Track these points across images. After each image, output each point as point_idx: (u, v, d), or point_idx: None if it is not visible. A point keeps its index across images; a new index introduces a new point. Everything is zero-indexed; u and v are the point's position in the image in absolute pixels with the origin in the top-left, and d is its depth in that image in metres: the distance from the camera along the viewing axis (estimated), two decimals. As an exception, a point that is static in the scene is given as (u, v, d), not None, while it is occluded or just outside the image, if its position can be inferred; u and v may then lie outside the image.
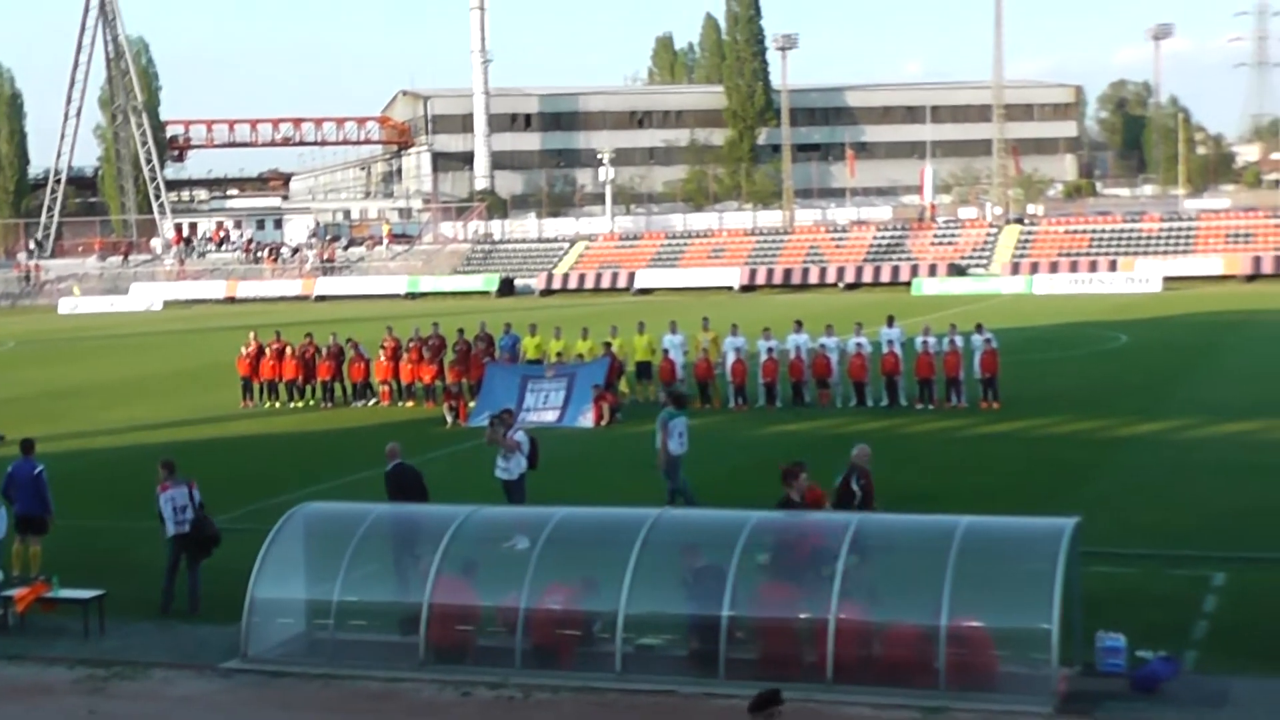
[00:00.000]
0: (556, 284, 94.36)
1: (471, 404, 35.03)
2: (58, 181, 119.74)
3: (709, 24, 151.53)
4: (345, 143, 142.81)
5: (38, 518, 19.95)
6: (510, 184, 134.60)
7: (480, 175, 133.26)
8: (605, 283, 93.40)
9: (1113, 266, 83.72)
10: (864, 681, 14.28)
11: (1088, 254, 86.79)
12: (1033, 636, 13.89)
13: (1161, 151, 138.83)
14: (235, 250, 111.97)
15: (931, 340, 34.71)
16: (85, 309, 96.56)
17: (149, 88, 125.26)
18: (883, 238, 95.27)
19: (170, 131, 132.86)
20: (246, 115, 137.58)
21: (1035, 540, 14.89)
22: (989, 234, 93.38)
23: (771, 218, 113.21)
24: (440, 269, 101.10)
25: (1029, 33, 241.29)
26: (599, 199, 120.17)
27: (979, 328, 35.43)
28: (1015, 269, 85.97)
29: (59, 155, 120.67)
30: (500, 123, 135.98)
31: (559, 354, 37.79)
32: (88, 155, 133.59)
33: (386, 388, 38.25)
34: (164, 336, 69.17)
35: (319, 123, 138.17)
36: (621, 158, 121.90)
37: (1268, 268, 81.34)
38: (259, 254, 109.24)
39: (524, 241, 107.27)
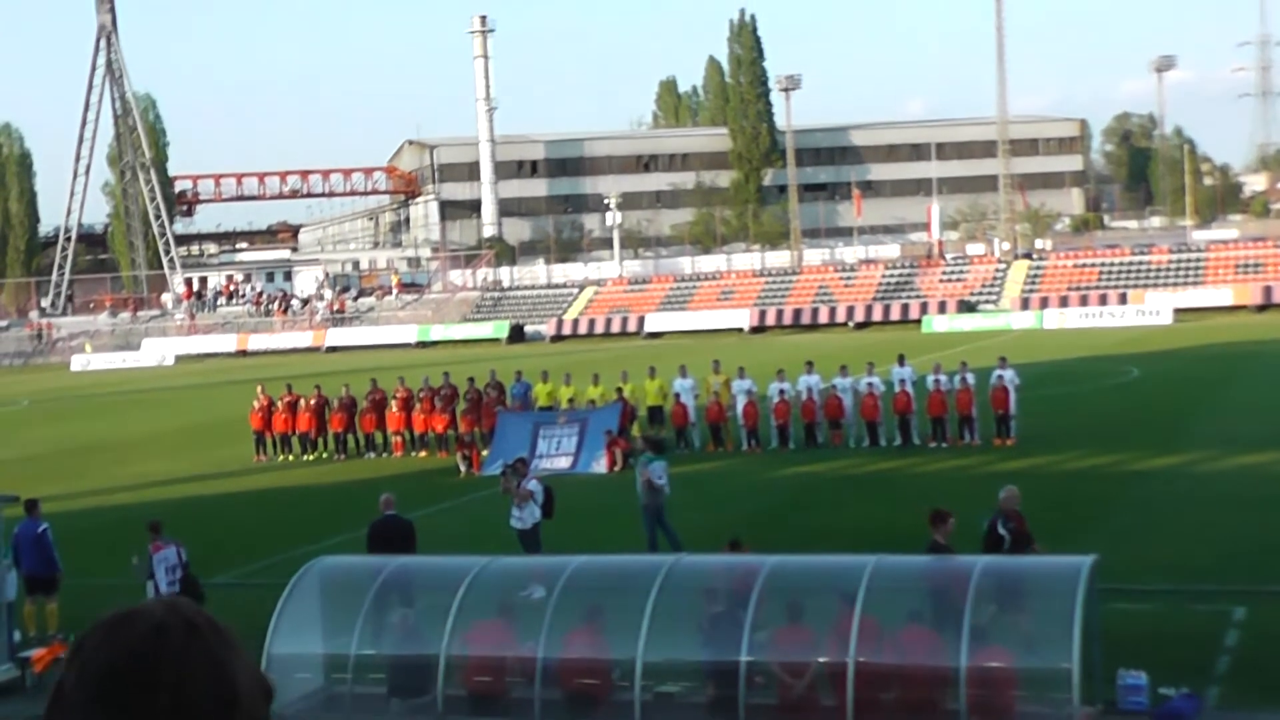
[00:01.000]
0: (566, 329, 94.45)
1: (485, 453, 35.03)
2: (68, 239, 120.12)
3: (712, 67, 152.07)
4: (353, 193, 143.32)
5: (46, 577, 19.88)
6: (518, 231, 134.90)
7: (488, 223, 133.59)
8: (615, 327, 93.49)
9: (1123, 299, 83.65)
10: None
11: (1097, 287, 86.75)
12: (1054, 676, 13.83)
13: (1168, 183, 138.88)
14: (245, 303, 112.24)
15: (943, 378, 34.67)
16: (97, 365, 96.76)
17: (157, 144, 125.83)
18: (891, 276, 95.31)
19: (178, 186, 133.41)
20: (254, 168, 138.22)
21: (1053, 579, 14.85)
22: (998, 270, 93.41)
23: (780, 258, 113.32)
24: (450, 317, 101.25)
25: (1032, 68, 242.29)
26: (607, 244, 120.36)
27: (1002, 361, 35.42)
28: (1025, 304, 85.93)
29: (69, 213, 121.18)
30: (507, 170, 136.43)
31: (570, 400, 37.80)
32: (97, 212, 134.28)
33: (400, 438, 38.24)
34: (176, 391, 69.28)
35: (326, 174, 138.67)
36: (628, 202, 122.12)
37: (1279, 297, 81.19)
38: (269, 306, 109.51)
39: (533, 288, 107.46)
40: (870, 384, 35.10)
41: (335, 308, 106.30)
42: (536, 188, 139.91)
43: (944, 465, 31.71)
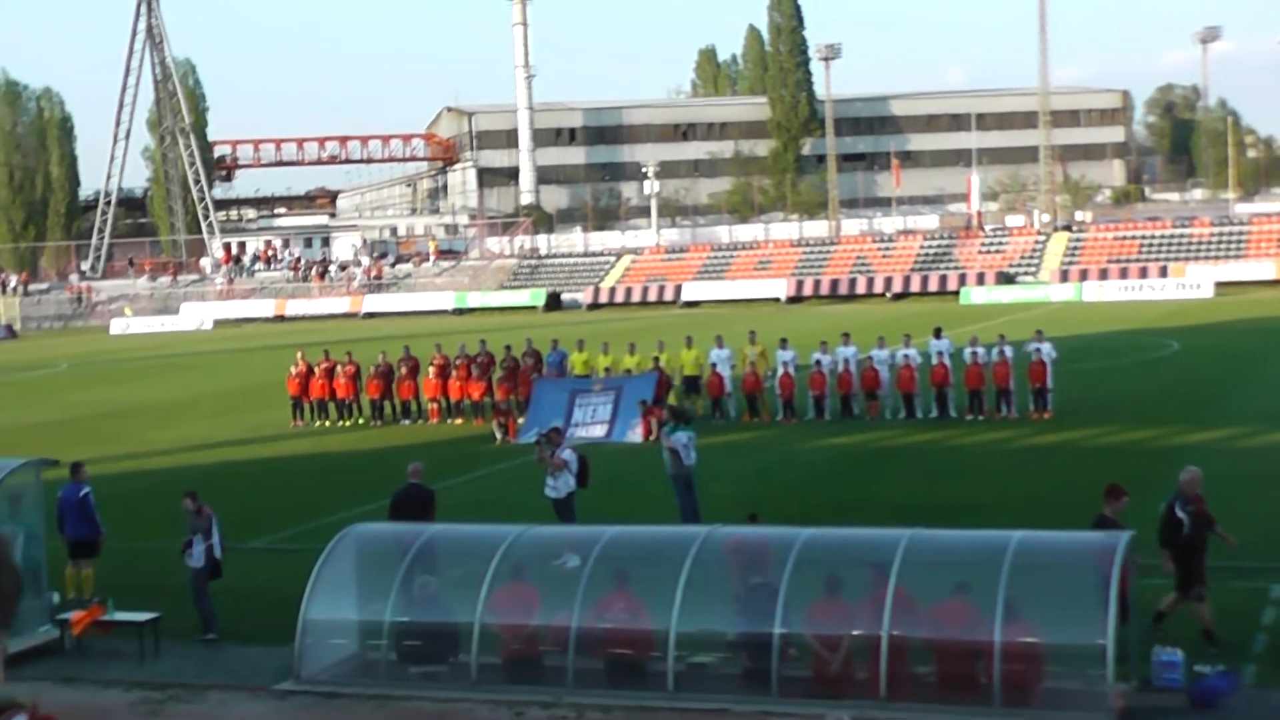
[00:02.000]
0: (603, 298, 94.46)
1: (520, 420, 35.10)
2: (108, 203, 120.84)
3: (752, 35, 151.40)
4: (391, 160, 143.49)
5: (88, 541, 20.03)
6: (556, 198, 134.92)
7: (526, 190, 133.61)
8: (652, 296, 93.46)
9: (1163, 272, 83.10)
10: (917, 699, 14.21)
11: (1137, 260, 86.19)
12: (1088, 652, 13.77)
13: (1211, 155, 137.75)
14: (283, 269, 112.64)
15: (980, 350, 34.52)
16: (136, 329, 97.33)
17: (196, 109, 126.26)
18: (930, 247, 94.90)
19: (218, 152, 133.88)
20: (293, 134, 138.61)
21: (1089, 555, 14.77)
22: (1037, 241, 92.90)
23: (817, 228, 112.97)
24: (487, 284, 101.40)
25: (1074, 38, 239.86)
26: (644, 212, 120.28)
27: (1039, 334, 35.23)
28: (1064, 276, 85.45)
29: (109, 177, 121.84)
30: (545, 137, 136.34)
31: (607, 369, 37.81)
32: (137, 177, 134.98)
33: (435, 405, 38.33)
34: (214, 356, 69.66)
35: (365, 140, 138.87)
36: (666, 170, 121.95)
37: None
38: (307, 272, 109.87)
39: (570, 256, 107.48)
40: (907, 356, 34.99)
41: (373, 274, 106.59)
42: (574, 155, 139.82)
43: (980, 438, 31.60)
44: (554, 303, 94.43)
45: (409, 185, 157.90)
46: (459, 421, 37.67)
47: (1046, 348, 34.42)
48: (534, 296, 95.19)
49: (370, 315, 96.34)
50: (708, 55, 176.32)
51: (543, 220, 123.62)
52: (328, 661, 16.39)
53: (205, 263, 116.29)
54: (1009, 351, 34.34)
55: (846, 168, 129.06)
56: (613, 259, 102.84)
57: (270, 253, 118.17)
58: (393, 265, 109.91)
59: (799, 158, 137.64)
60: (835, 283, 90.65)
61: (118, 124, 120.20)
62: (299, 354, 40.66)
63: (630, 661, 15.51)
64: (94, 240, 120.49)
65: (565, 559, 16.91)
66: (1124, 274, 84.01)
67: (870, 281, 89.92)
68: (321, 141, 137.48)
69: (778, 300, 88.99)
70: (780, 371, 35.89)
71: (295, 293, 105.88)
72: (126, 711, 15.57)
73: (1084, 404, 35.28)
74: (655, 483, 24.97)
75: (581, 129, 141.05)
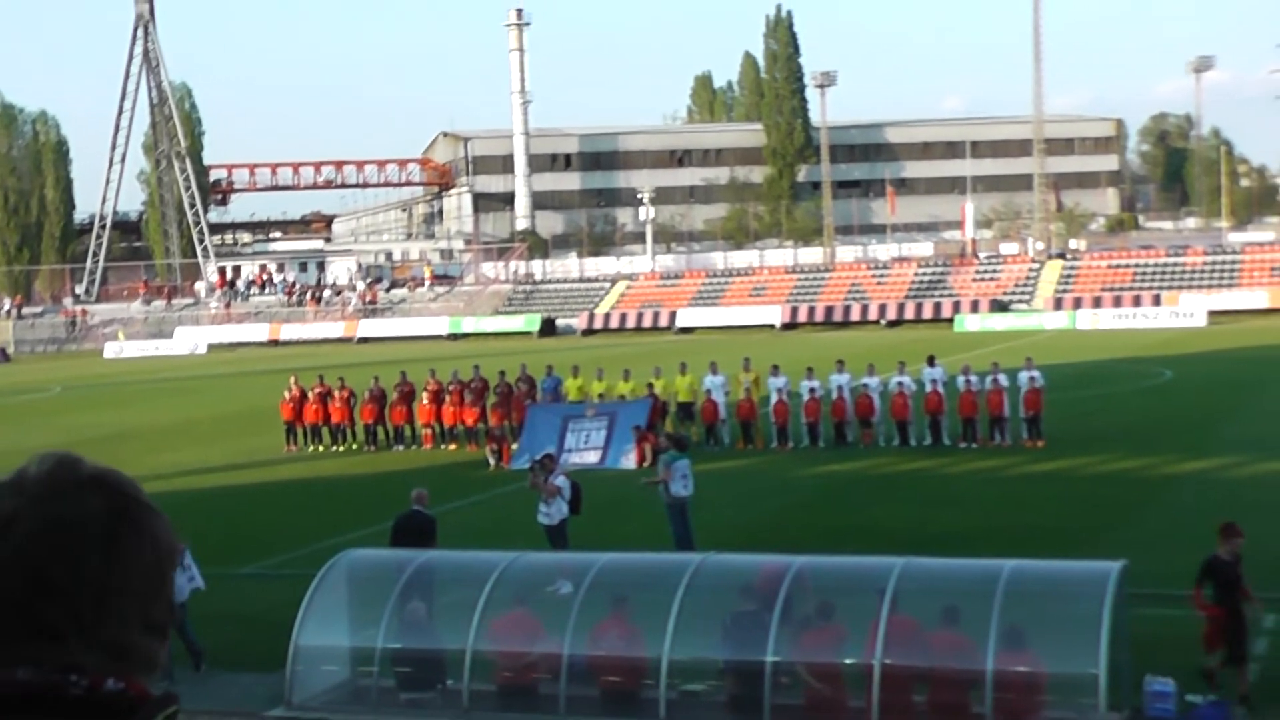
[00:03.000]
0: (598, 324, 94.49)
1: (514, 446, 35.07)
2: (103, 226, 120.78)
3: (748, 62, 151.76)
4: (387, 184, 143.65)
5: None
6: (551, 224, 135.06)
7: (521, 215, 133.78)
8: (647, 322, 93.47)
9: (1156, 301, 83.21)
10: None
11: (1131, 288, 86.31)
12: (1080, 681, 13.77)
13: (1204, 184, 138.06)
14: (278, 293, 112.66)
15: (974, 379, 34.56)
16: (130, 353, 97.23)
17: (192, 133, 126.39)
18: (924, 274, 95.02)
19: (213, 175, 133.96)
20: (288, 158, 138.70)
21: (1082, 584, 14.78)
22: (1031, 269, 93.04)
23: (812, 255, 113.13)
24: (482, 310, 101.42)
25: (1068, 66, 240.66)
26: (639, 238, 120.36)
27: (1028, 362, 35.29)
28: (1058, 304, 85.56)
29: (104, 200, 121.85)
30: (540, 163, 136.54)
31: (601, 395, 37.81)
32: (132, 200, 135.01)
33: (429, 431, 38.30)
34: (208, 380, 69.59)
35: (360, 165, 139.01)
36: (661, 196, 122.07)
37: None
38: (302, 296, 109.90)
39: (565, 281, 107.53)
40: (901, 383, 35.01)
41: (367, 299, 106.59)
42: (570, 181, 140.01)
43: (974, 466, 31.61)
44: (549, 328, 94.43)
45: (404, 210, 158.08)
46: (453, 447, 37.65)
47: (1036, 375, 34.48)
48: (529, 322, 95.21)
49: (365, 340, 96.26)
50: (703, 81, 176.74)
51: (538, 246, 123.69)
52: (319, 688, 16.35)
53: (200, 287, 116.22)
54: (1003, 379, 34.38)
55: (841, 194, 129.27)
56: (608, 285, 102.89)
57: (265, 277, 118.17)
58: (388, 290, 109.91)
59: (794, 184, 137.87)
60: (830, 309, 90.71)
61: (113, 147, 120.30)
62: (293, 379, 40.63)
63: (622, 689, 15.49)
64: (88, 264, 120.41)
65: (558, 586, 16.90)
66: (1118, 302, 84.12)
67: (865, 308, 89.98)
68: (317, 166, 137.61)
69: (772, 327, 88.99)
70: (774, 398, 35.89)
71: (290, 317, 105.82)
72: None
73: (1077, 432, 35.30)
74: (649, 509, 24.96)
75: (577, 154, 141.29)
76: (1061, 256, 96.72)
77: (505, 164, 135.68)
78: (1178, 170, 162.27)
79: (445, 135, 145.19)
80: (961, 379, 34.64)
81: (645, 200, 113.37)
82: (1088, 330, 77.96)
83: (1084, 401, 42.01)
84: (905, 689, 14.60)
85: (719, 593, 16.52)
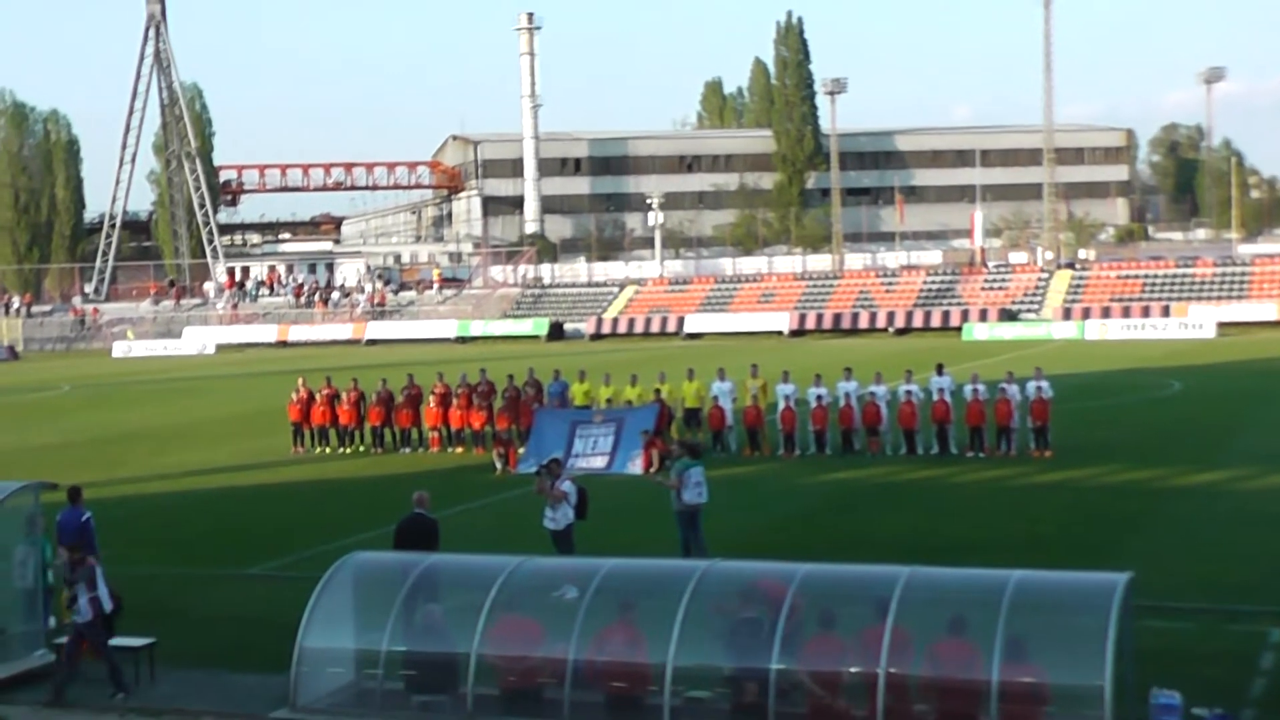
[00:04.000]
0: (606, 328, 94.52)
1: (520, 450, 35.05)
2: (112, 226, 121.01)
3: (758, 68, 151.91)
4: (396, 187, 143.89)
5: (89, 566, 19.95)
6: (560, 228, 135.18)
7: (530, 219, 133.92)
8: (655, 327, 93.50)
9: (1165, 312, 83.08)
10: (915, 737, 14.16)
11: (1140, 299, 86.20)
12: (1086, 693, 13.71)
13: (1214, 195, 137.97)
14: (287, 294, 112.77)
15: (982, 388, 34.51)
16: (139, 353, 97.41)
17: (203, 133, 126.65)
18: (933, 282, 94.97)
19: (223, 176, 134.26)
20: (298, 160, 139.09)
21: (1088, 595, 14.71)
22: (1040, 279, 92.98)
23: (821, 262, 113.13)
24: (490, 313, 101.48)
25: (1079, 76, 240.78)
26: (648, 243, 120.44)
27: (1037, 371, 35.24)
28: (1067, 314, 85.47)
29: (114, 200, 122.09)
30: (550, 167, 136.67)
31: (608, 400, 37.78)
32: (142, 200, 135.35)
33: (436, 434, 38.29)
34: (216, 380, 69.66)
35: (370, 167, 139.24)
36: (671, 202, 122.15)
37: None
38: (310, 298, 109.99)
39: (573, 286, 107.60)
40: (908, 391, 34.96)
41: (376, 301, 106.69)
42: (579, 185, 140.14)
43: (981, 475, 31.55)
44: (557, 332, 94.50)
45: (414, 213, 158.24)
46: (459, 450, 37.62)
47: (1044, 385, 34.45)
48: (537, 326, 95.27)
49: (373, 342, 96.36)
50: (714, 87, 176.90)
51: (547, 250, 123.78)
52: (324, 690, 16.33)
53: (209, 287, 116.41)
54: (1012, 390, 34.32)
55: (851, 202, 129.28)
56: (616, 290, 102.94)
57: (274, 278, 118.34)
58: (396, 292, 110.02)
59: (803, 191, 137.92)
60: (838, 317, 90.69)
61: (124, 147, 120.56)
62: (301, 380, 40.64)
63: (627, 695, 15.46)
64: (98, 263, 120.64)
65: (564, 591, 16.86)
66: (1126, 313, 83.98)
67: (873, 316, 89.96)
68: (327, 168, 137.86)
69: (780, 333, 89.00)
70: (781, 405, 35.84)
71: (298, 318, 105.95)
72: (121, 737, 15.52)
73: (1085, 442, 35.23)
74: (656, 515, 24.94)
75: (587, 159, 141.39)
76: (1071, 266, 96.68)
77: (515, 168, 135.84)
78: (1188, 181, 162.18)
79: (455, 138, 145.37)
80: (969, 388, 34.59)
81: (654, 205, 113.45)
82: (1096, 340, 77.89)
83: (1092, 412, 41.94)
84: (909, 699, 14.55)
85: (725, 599, 16.48)
